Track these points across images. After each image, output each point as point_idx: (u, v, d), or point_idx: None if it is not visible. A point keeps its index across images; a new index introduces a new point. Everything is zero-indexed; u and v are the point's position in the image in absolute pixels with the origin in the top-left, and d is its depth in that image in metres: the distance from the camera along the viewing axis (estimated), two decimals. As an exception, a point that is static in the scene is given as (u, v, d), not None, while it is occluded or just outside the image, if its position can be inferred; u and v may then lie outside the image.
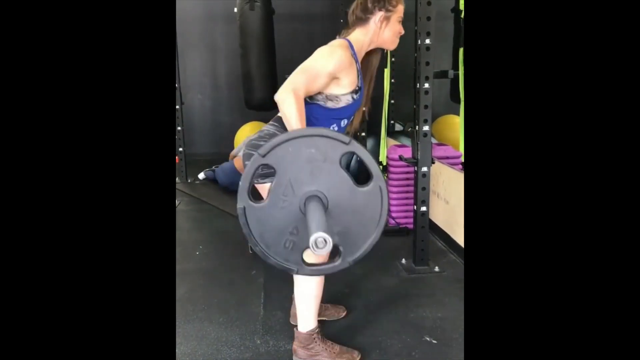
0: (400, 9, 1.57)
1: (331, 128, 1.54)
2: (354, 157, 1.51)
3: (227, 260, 2.67)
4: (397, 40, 1.62)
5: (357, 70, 1.53)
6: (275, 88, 3.76)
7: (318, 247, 0.99)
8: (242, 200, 1.15)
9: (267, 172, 1.41)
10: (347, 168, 1.65)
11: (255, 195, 1.38)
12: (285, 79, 1.41)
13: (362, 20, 1.56)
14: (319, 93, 1.50)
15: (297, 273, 1.22)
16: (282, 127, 1.49)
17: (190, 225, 3.41)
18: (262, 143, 1.37)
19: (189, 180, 4.57)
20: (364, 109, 1.70)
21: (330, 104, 1.52)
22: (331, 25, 4.75)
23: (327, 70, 1.44)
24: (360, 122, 1.73)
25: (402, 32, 1.61)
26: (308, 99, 1.51)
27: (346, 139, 1.12)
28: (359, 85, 1.54)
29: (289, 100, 1.33)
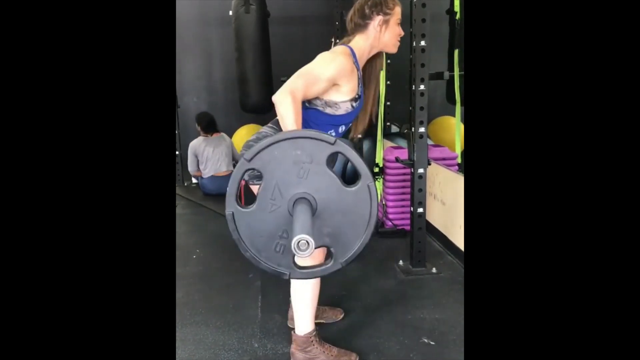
0: (397, 11, 1.56)
1: (328, 134, 1.53)
2: None
3: (224, 264, 2.66)
4: (398, 43, 1.61)
5: (358, 78, 1.53)
6: (270, 91, 3.75)
7: (300, 249, 0.98)
8: (230, 205, 1.14)
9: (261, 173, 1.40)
10: (345, 167, 1.65)
11: (251, 197, 1.37)
12: (281, 81, 1.41)
13: (361, 26, 1.56)
14: (318, 98, 1.49)
15: (290, 277, 1.21)
16: (280, 129, 1.48)
17: (187, 229, 3.40)
18: None
19: (185, 184, 4.56)
20: (369, 112, 1.68)
21: (329, 110, 1.51)
22: (326, 27, 4.76)
23: (327, 75, 1.43)
24: (367, 125, 1.71)
25: (402, 33, 1.61)
26: (307, 104, 1.50)
27: (331, 139, 1.11)
28: (359, 93, 1.54)
29: (285, 102, 1.33)
